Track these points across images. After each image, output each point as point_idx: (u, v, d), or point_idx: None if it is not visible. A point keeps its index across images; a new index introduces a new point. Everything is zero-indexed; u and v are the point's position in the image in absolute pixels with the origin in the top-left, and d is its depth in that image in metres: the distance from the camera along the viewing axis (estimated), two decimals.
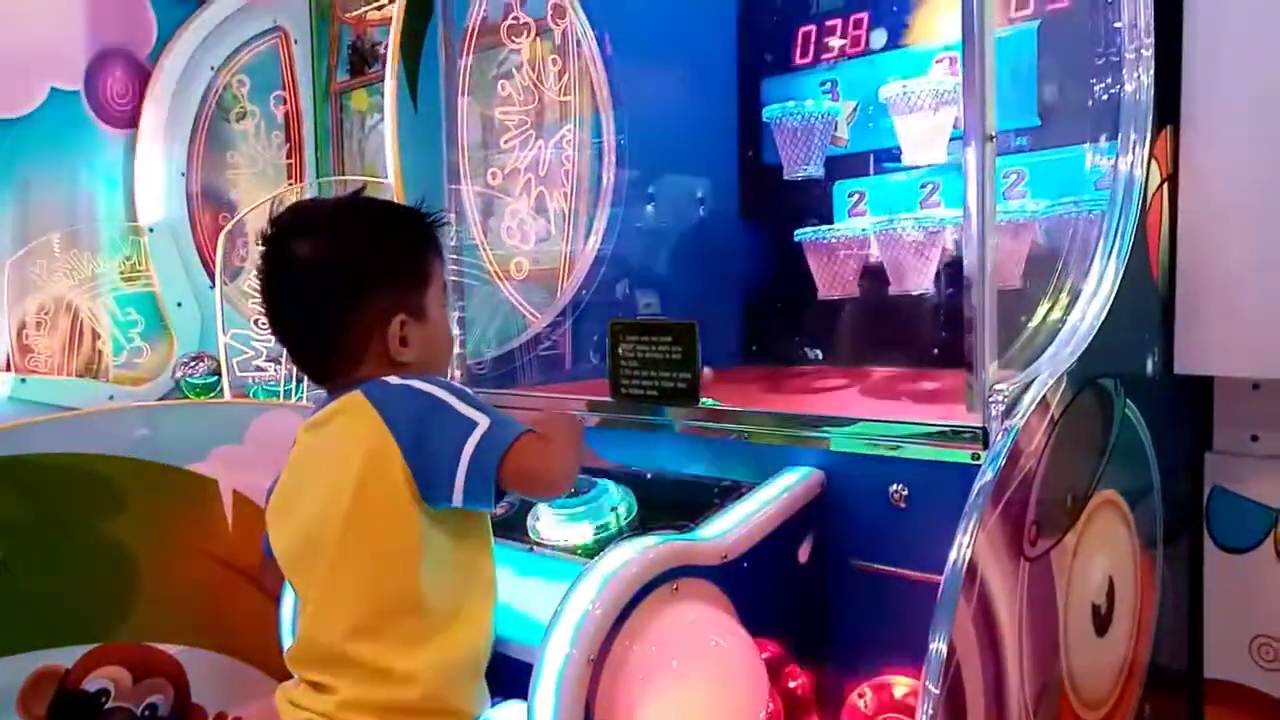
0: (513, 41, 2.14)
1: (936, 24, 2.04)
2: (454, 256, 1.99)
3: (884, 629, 1.38)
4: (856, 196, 2.15)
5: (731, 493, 1.45)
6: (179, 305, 3.36)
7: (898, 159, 1.95)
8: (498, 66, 2.16)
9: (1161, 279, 1.64)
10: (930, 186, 1.99)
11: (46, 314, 3.24)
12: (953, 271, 1.83)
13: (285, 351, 1.30)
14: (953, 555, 1.15)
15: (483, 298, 2.09)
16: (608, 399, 1.64)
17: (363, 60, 3.38)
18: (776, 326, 2.28)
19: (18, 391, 3.08)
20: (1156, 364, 1.65)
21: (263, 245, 1.26)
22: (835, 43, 2.22)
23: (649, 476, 1.63)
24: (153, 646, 1.82)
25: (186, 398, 3.22)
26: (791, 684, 1.40)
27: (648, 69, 2.23)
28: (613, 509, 1.47)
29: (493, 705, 1.27)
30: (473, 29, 2.09)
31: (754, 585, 1.32)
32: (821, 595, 1.44)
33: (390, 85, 1.98)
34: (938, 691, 1.10)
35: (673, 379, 1.55)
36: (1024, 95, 1.83)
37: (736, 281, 2.36)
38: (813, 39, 2.26)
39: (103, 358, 3.31)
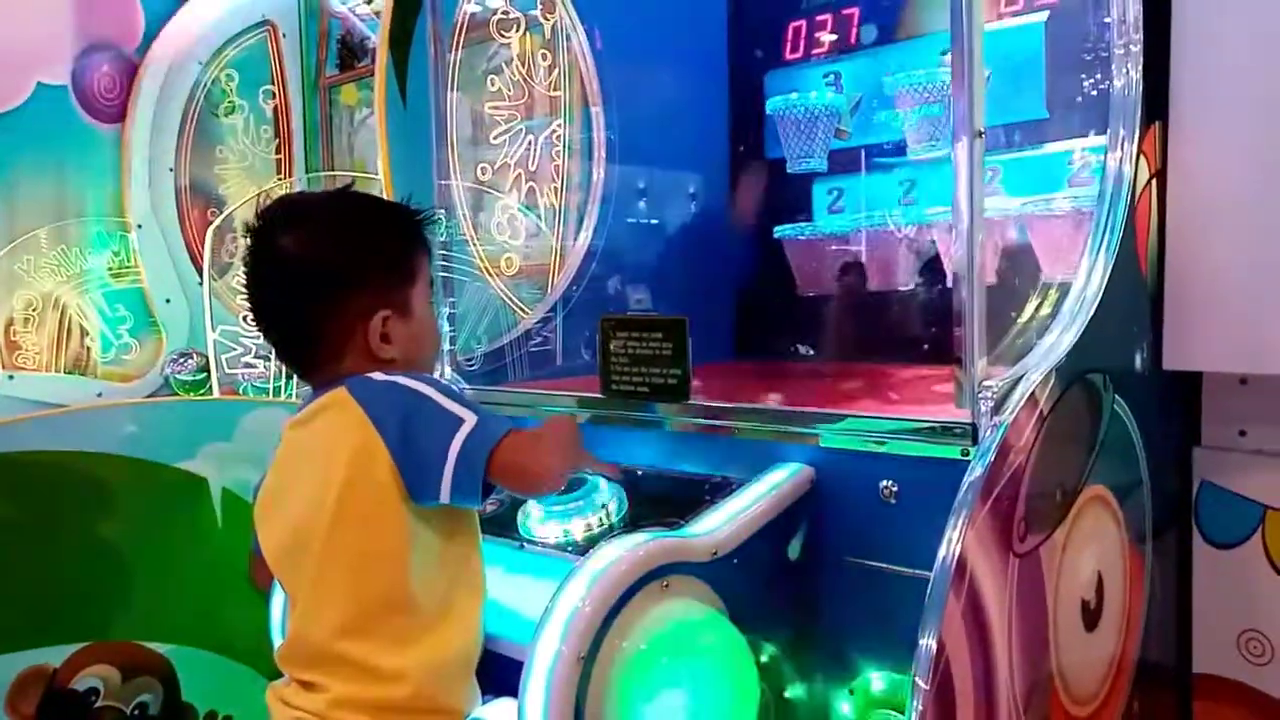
0: (502, 36, 2.13)
1: (931, 18, 2.04)
2: (443, 252, 1.98)
3: (874, 625, 1.38)
4: (836, 193, 2.15)
5: (722, 489, 1.46)
6: (167, 301, 3.34)
7: (889, 154, 1.95)
8: (487, 61, 2.16)
9: (1150, 275, 1.65)
10: (909, 184, 2.00)
11: (34, 310, 3.22)
12: (941, 268, 1.84)
13: (269, 344, 1.29)
14: (942, 551, 1.16)
15: (473, 293, 2.09)
16: (598, 395, 1.64)
17: (352, 55, 3.37)
18: (767, 322, 2.28)
19: (5, 388, 3.07)
20: (1145, 359, 1.65)
21: (249, 236, 1.26)
22: (826, 37, 2.22)
23: (639, 473, 1.63)
24: (142, 645, 1.82)
25: (176, 395, 3.20)
26: (781, 680, 1.41)
27: (637, 64, 2.23)
28: (603, 506, 1.47)
29: (483, 703, 1.27)
30: (462, 23, 2.08)
31: (744, 582, 1.32)
32: (812, 591, 1.44)
33: (379, 80, 1.97)
34: (927, 687, 1.10)
35: (663, 375, 1.55)
36: (1032, 89, 1.83)
37: (727, 277, 2.36)
38: (804, 33, 2.26)
39: (91, 354, 3.29)
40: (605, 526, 1.45)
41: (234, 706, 1.92)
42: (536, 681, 1.12)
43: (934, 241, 1.89)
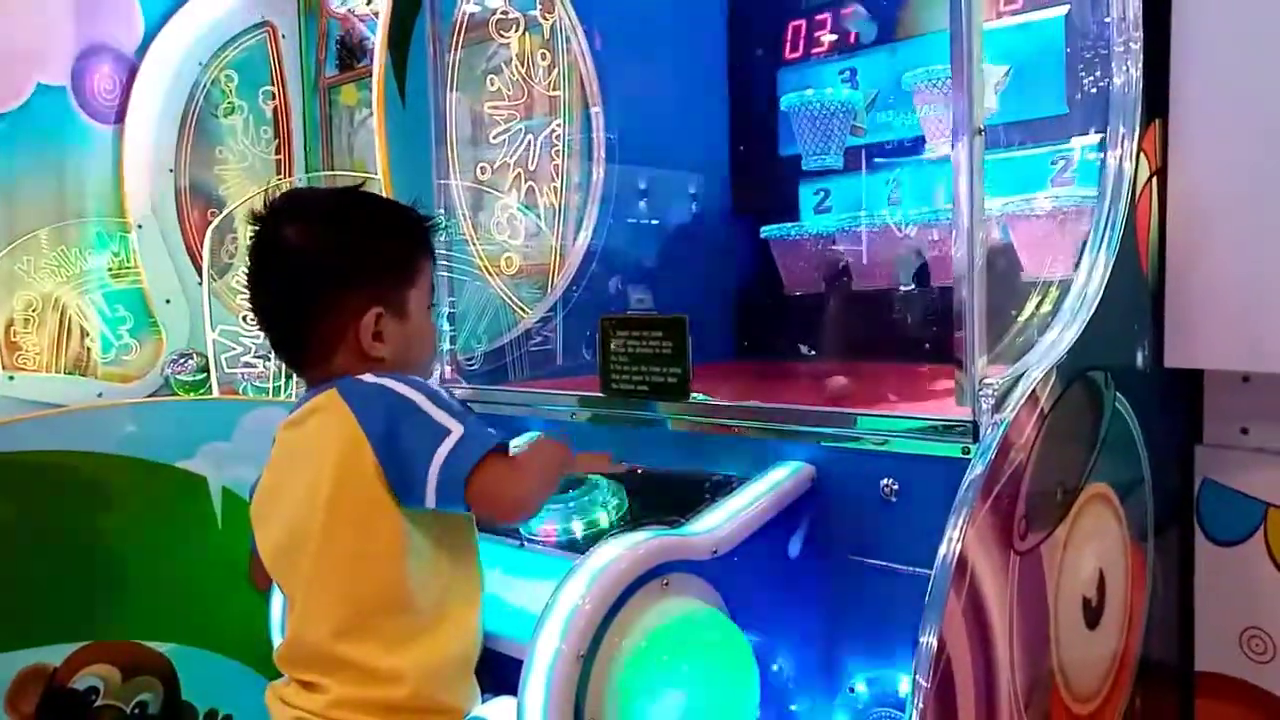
0: (501, 36, 2.13)
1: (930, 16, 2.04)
2: (443, 252, 1.98)
3: (875, 623, 1.38)
4: (823, 194, 2.15)
5: (722, 487, 1.45)
6: (167, 302, 3.34)
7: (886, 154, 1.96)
8: (486, 61, 2.16)
9: (1151, 272, 1.64)
10: (894, 183, 2.00)
11: (34, 310, 3.22)
12: (943, 267, 1.84)
13: (266, 338, 1.29)
14: (943, 549, 1.15)
15: (473, 293, 2.09)
16: (598, 394, 1.64)
17: (351, 55, 3.37)
18: (768, 321, 2.28)
19: (5, 389, 3.08)
20: (1146, 357, 1.65)
21: (253, 225, 1.26)
22: (827, 37, 2.22)
23: (640, 472, 1.62)
24: (142, 644, 1.82)
25: (175, 395, 3.20)
26: (782, 678, 1.40)
27: (637, 63, 2.23)
28: (603, 504, 1.47)
29: (483, 701, 1.26)
30: (461, 23, 2.08)
31: (744, 580, 1.32)
32: (812, 589, 1.44)
33: (378, 80, 1.97)
34: (928, 685, 1.10)
35: (663, 374, 1.54)
36: (1053, 84, 1.81)
37: (728, 276, 2.36)
38: (803, 33, 2.26)
39: (91, 354, 3.29)
40: (606, 525, 1.45)
41: (234, 706, 1.92)
42: (536, 680, 1.12)
43: (919, 239, 1.89)
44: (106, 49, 3.29)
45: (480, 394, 1.93)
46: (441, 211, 2.00)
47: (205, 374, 3.16)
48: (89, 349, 3.29)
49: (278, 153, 3.60)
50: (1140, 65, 1.54)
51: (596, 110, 2.22)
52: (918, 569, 1.24)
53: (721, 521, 1.34)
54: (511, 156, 2.15)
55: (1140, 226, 1.58)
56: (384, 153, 1.96)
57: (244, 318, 3.05)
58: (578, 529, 1.44)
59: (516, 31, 2.15)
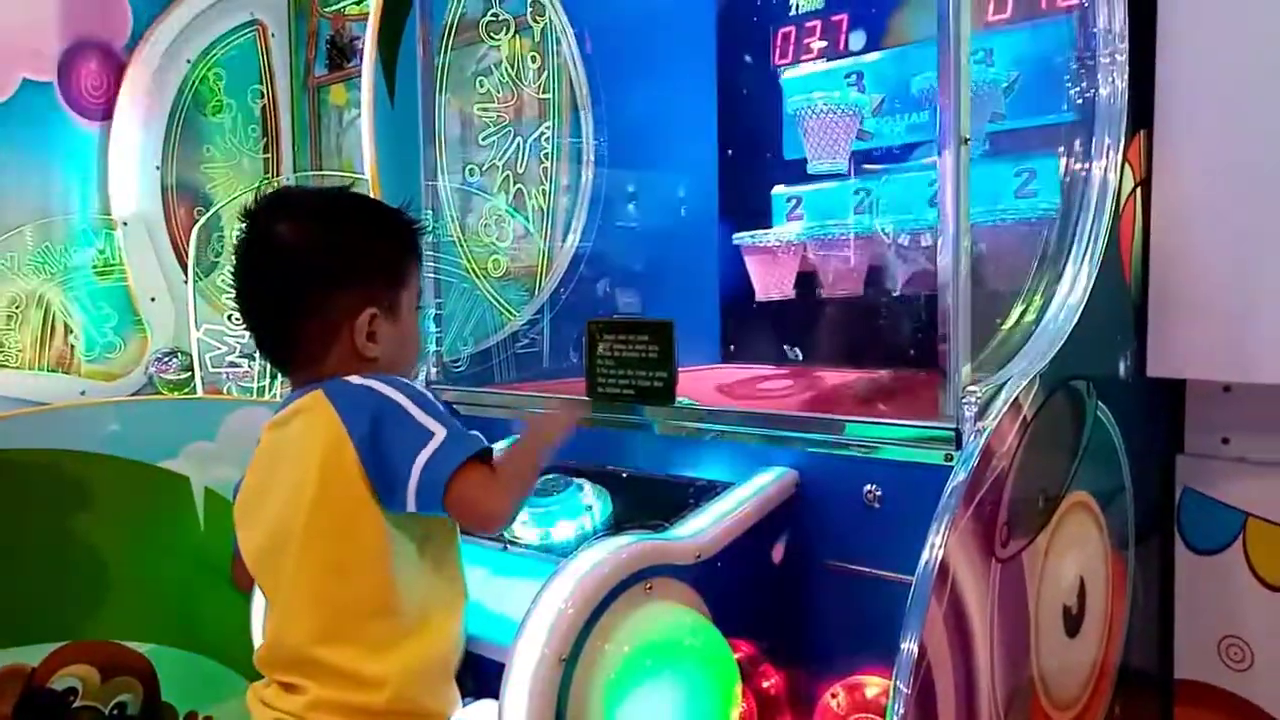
0: (491, 38, 2.13)
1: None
2: (431, 253, 1.98)
3: (856, 629, 1.38)
4: (794, 201, 2.15)
5: (706, 492, 1.46)
6: (152, 300, 3.32)
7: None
8: (476, 63, 2.16)
9: (1134, 283, 1.65)
10: (863, 193, 2.00)
11: (18, 307, 3.20)
12: (928, 276, 1.84)
13: (253, 339, 1.29)
14: (925, 556, 1.16)
15: (460, 295, 2.09)
16: (584, 397, 1.64)
17: (340, 55, 3.36)
18: (755, 326, 2.28)
19: None
20: (1129, 367, 1.66)
21: (242, 221, 1.25)
22: (816, 44, 2.22)
23: (624, 475, 1.63)
24: (122, 645, 1.81)
25: (160, 393, 3.19)
26: (764, 684, 1.41)
27: (627, 67, 2.23)
28: (587, 508, 1.47)
29: (464, 704, 1.26)
30: (451, 25, 2.08)
31: (727, 585, 1.32)
32: (795, 595, 1.44)
33: (367, 81, 1.97)
34: (909, 691, 1.10)
35: (649, 378, 1.54)
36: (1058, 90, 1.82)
37: (715, 281, 2.36)
38: (792, 39, 2.27)
39: (75, 352, 3.27)
40: (589, 529, 1.45)
41: (214, 707, 1.90)
42: (517, 683, 1.11)
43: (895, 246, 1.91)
44: (94, 45, 3.27)
45: (466, 396, 1.93)
46: (430, 213, 1.99)
47: (189, 373, 3.15)
48: (73, 346, 3.27)
49: (266, 152, 3.59)
50: (1125, 76, 1.55)
51: (586, 113, 2.22)
52: (899, 575, 1.24)
53: (705, 526, 1.34)
54: (500, 159, 2.15)
55: (1124, 237, 1.59)
56: (372, 153, 1.96)
57: (229, 317, 3.04)
58: (561, 532, 1.44)
59: (507, 34, 2.15)
